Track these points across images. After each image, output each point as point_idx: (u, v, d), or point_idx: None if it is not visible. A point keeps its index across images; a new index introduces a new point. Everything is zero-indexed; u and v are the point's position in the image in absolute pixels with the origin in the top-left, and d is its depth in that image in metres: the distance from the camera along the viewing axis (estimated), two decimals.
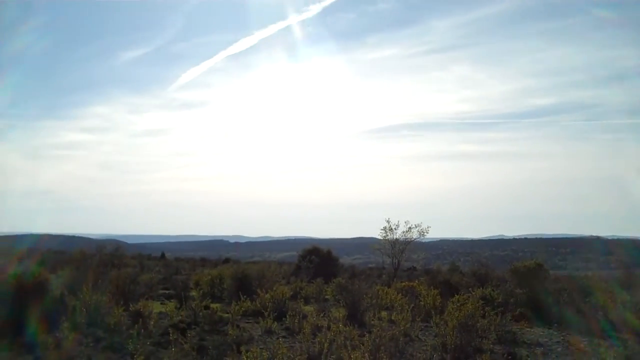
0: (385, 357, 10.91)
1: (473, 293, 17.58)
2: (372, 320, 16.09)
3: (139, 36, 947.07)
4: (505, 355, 12.65)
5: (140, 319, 14.01)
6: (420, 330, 15.64)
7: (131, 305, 15.59)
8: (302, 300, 20.40)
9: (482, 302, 15.39)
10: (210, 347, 10.88)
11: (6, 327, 13.04)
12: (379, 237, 37.37)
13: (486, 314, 14.62)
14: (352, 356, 10.31)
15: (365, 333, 12.91)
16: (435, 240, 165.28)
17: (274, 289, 18.63)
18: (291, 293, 20.50)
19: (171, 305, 18.75)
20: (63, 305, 14.40)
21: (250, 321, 16.84)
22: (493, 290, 18.66)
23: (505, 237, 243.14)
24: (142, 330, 12.65)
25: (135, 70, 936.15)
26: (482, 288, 18.99)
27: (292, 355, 10.57)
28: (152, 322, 14.27)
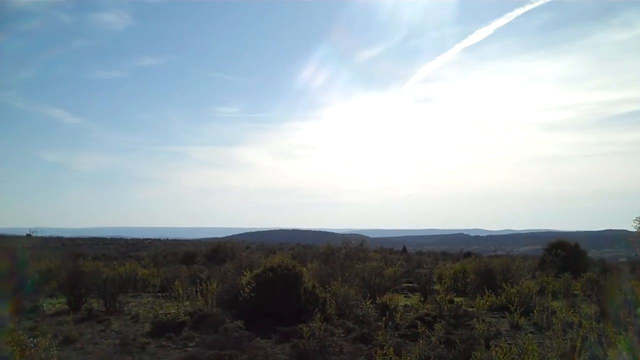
0: None
1: None
2: (628, 317, 14.94)
3: (375, 35, 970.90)
4: None
5: (387, 312, 14.36)
6: None
7: (377, 298, 16.04)
8: (549, 295, 19.56)
9: None
10: (457, 341, 10.82)
11: (267, 316, 14.13)
12: (633, 229, 34.45)
13: None
14: (608, 354, 9.66)
15: (620, 331, 12.02)
16: None
17: (520, 283, 18.06)
18: (538, 288, 19.73)
19: (415, 298, 19.02)
20: (314, 297, 15.20)
21: (495, 316, 16.52)
22: None
23: None
24: (390, 323, 12.96)
25: (374, 69, 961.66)
26: None
27: (543, 352, 10.17)
28: (398, 315, 14.58)
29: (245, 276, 15.58)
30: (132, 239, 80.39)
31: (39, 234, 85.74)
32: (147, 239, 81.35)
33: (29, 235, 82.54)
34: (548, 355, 10.14)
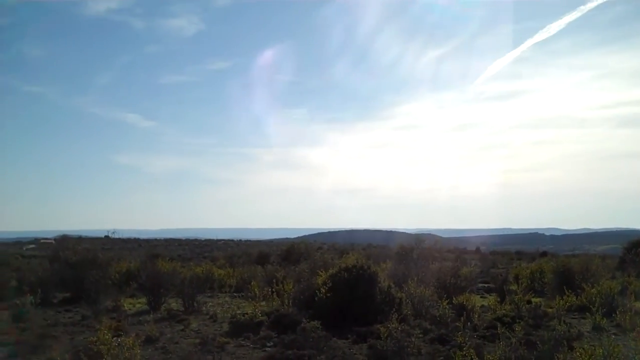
0: None
1: None
2: None
3: (442, 33, 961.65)
4: None
5: (464, 312, 14.24)
6: None
7: (454, 298, 15.92)
8: (632, 295, 18.95)
9: None
10: (538, 342, 10.66)
11: (343, 316, 14.22)
12: None
13: None
14: None
15: None
16: None
17: (600, 283, 17.59)
18: (619, 288, 19.15)
19: (492, 298, 18.77)
20: (390, 297, 15.19)
21: (576, 317, 16.15)
22: None
23: None
24: (468, 324, 12.85)
25: (441, 67, 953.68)
26: None
27: (628, 354, 9.93)
28: (475, 316, 14.44)
29: (321, 276, 15.70)
30: (206, 240, 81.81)
31: (116, 235, 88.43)
32: (220, 240, 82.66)
33: (106, 237, 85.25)
34: (634, 357, 9.89)
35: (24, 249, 60.60)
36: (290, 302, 16.16)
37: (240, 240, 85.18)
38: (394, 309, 14.46)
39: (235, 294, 22.25)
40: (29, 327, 14.83)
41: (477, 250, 59.27)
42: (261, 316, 14.39)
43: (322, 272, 16.26)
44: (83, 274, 20.60)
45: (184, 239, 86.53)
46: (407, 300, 15.60)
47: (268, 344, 12.42)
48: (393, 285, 15.95)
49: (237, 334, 13.43)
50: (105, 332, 9.90)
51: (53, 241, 60.12)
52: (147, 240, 78.07)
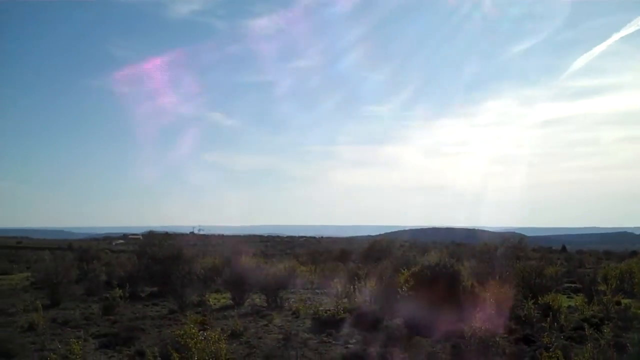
0: None
1: None
2: None
3: (526, 28, 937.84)
4: None
5: (550, 312, 13.97)
6: None
7: (539, 298, 15.62)
8: None
9: None
10: (628, 345, 10.37)
11: (426, 314, 14.16)
12: None
13: None
14: None
15: None
16: None
17: None
18: None
19: (579, 299, 18.31)
20: (473, 296, 15.04)
21: None
22: None
23: None
24: (554, 324, 12.61)
25: (525, 63, 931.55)
26: None
27: None
28: (562, 316, 14.14)
29: (403, 274, 15.72)
30: (288, 237, 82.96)
31: (201, 232, 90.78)
32: (301, 237, 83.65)
33: (191, 233, 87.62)
34: None
35: (113, 244, 63.20)
36: (373, 299, 16.24)
37: (322, 237, 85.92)
38: (478, 308, 14.31)
39: (317, 291, 22.51)
40: (119, 319, 15.51)
41: (563, 249, 57.77)
42: (344, 313, 14.53)
43: (404, 269, 16.27)
44: (169, 269, 21.34)
45: (266, 235, 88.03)
46: (491, 299, 15.40)
47: (351, 341, 12.56)
48: (477, 284, 15.79)
49: (320, 330, 13.65)
50: (192, 326, 10.25)
51: (140, 237, 62.26)
52: (231, 237, 79.89)
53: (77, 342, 10.25)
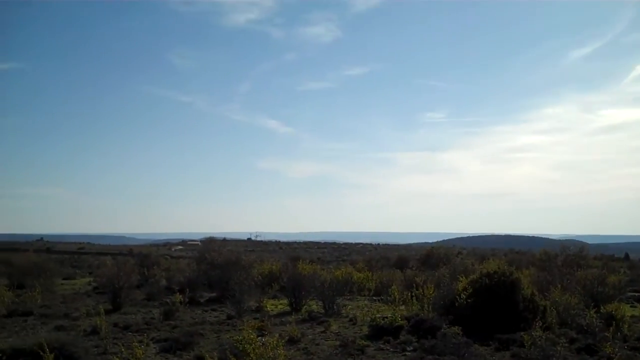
0: None
1: None
2: None
3: (587, 33, 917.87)
4: None
5: (613, 322, 13.66)
6: None
7: (602, 307, 15.30)
8: None
9: None
10: None
11: (485, 322, 14.04)
12: None
13: None
14: None
15: None
16: None
17: None
18: None
19: None
20: (533, 304, 14.83)
21: None
22: None
23: None
24: (617, 334, 12.33)
25: (586, 68, 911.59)
26: None
27: None
28: (625, 326, 13.81)
29: (461, 282, 15.61)
30: (345, 244, 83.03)
31: (259, 238, 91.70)
32: (358, 244, 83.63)
33: (249, 239, 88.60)
34: None
35: (173, 250, 64.33)
36: (430, 307, 16.18)
37: (379, 244, 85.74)
38: (538, 317, 14.12)
39: (374, 298, 22.52)
40: (179, 324, 15.83)
41: (626, 257, 56.25)
42: (401, 320, 14.47)
43: (462, 277, 16.17)
44: (228, 274, 21.66)
45: (323, 242, 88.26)
46: (552, 308, 15.16)
47: (408, 349, 12.53)
48: (536, 293, 15.56)
49: (377, 337, 13.64)
50: (250, 331, 10.39)
51: (199, 243, 63.30)
52: (288, 243, 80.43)
53: (139, 346, 10.51)
